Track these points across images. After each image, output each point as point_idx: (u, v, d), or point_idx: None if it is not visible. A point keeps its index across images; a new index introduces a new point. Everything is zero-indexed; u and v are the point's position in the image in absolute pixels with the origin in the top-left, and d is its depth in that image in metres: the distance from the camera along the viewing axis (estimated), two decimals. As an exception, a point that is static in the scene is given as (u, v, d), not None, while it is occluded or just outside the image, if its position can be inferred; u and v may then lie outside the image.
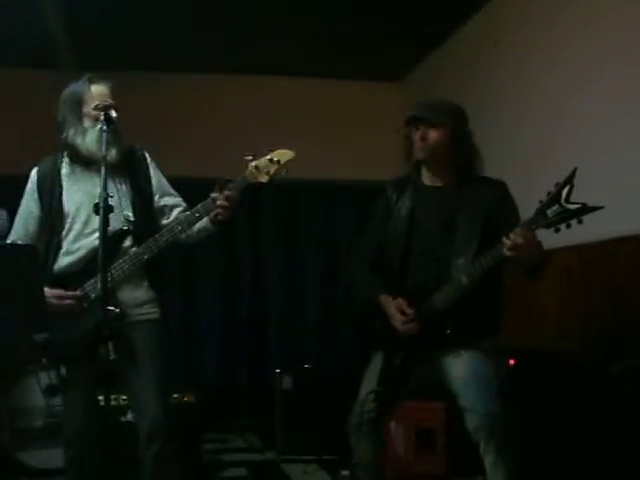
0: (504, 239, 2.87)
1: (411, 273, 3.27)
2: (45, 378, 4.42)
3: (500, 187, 3.26)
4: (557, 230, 2.80)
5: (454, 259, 3.14)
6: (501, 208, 3.16)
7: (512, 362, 3.82)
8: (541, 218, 2.82)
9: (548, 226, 2.81)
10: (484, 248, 3.03)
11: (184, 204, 3.41)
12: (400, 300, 3.18)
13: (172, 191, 3.44)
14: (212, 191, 3.16)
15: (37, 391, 4.50)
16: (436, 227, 3.24)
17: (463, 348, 3.11)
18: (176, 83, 6.27)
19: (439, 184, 3.31)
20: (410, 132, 3.28)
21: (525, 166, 4.70)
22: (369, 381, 3.25)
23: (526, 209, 2.95)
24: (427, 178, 3.33)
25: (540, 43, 4.60)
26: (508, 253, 2.86)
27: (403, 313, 3.16)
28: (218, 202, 3.13)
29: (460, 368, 3.10)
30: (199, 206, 3.17)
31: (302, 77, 6.42)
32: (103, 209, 2.79)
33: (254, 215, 6.39)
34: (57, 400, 4.45)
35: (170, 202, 3.40)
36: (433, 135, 3.20)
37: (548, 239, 2.90)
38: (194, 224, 3.20)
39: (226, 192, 3.12)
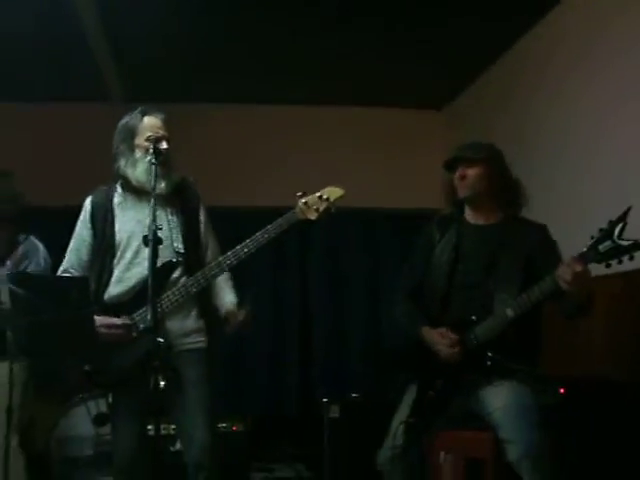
0: (558, 271, 2.91)
1: (452, 307, 3.35)
2: (94, 407, 4.47)
3: (542, 229, 3.35)
4: (608, 265, 2.86)
5: (497, 294, 3.21)
6: (543, 250, 3.25)
7: (562, 391, 3.78)
8: (593, 253, 2.87)
9: (599, 261, 2.87)
10: (526, 286, 3.09)
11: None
12: (443, 328, 3.25)
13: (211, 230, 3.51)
14: (265, 222, 3.19)
15: (86, 420, 4.54)
16: (479, 264, 3.33)
17: (501, 379, 3.14)
18: (226, 114, 6.34)
19: (482, 222, 3.43)
20: (451, 175, 3.41)
21: (567, 192, 4.66)
22: (401, 413, 3.30)
23: (572, 235, 2.97)
24: (470, 216, 3.45)
25: (579, 66, 4.58)
26: (564, 286, 2.89)
27: (446, 338, 3.22)
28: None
29: (498, 399, 3.12)
30: (248, 241, 3.18)
31: (346, 106, 6.44)
32: (152, 241, 2.83)
33: (300, 245, 6.41)
34: (106, 429, 4.48)
35: (210, 240, 3.47)
36: (471, 173, 3.33)
37: (594, 267, 2.91)
38: (242, 259, 3.21)
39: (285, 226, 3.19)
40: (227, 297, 3.38)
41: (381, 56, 5.51)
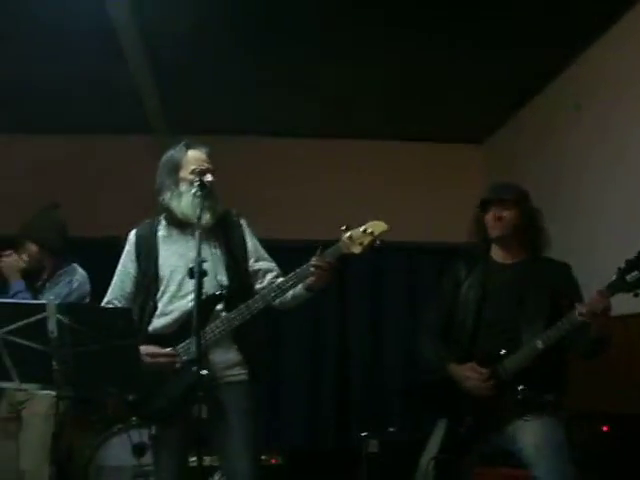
0: (589, 302, 3.01)
1: (480, 343, 3.40)
2: (134, 437, 4.47)
3: (565, 268, 3.45)
4: (637, 295, 2.95)
5: (524, 329, 3.27)
6: (567, 286, 3.35)
7: (605, 429, 3.74)
8: (621, 283, 2.97)
9: (628, 290, 2.97)
10: (552, 322, 3.16)
11: (277, 269, 3.42)
12: (472, 363, 3.30)
13: (266, 256, 3.47)
14: (306, 255, 3.18)
15: (125, 450, 4.54)
16: (506, 301, 3.40)
17: (532, 412, 3.17)
18: (266, 146, 6.41)
19: (509, 261, 3.50)
20: (482, 213, 3.50)
21: (614, 229, 4.63)
22: (430, 449, 3.32)
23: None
24: (497, 255, 3.54)
25: (624, 102, 4.57)
26: (590, 317, 2.97)
27: (476, 373, 3.27)
28: (317, 269, 3.12)
29: (530, 435, 3.15)
30: (293, 274, 3.17)
31: (388, 140, 6.48)
32: (198, 273, 2.85)
33: (340, 278, 6.39)
34: (145, 460, 4.50)
35: (264, 267, 3.42)
36: (507, 214, 3.43)
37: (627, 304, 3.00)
38: (287, 292, 3.20)
39: (327, 259, 3.12)
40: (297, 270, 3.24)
41: (425, 90, 5.53)
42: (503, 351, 3.25)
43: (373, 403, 6.31)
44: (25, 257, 4.28)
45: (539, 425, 3.14)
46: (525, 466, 3.14)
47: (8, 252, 4.28)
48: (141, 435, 4.35)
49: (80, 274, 4.37)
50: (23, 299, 3.98)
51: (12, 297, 4.04)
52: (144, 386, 3.02)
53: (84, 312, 3.03)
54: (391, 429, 5.27)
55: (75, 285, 4.27)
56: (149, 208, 3.50)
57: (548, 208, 3.57)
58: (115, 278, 3.46)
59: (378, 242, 3.14)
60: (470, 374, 3.28)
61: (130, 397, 3.15)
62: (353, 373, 6.41)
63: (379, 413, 6.25)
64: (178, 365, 3.15)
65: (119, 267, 3.46)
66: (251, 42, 4.83)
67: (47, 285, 4.25)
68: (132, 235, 3.47)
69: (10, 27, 4.49)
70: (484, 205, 3.50)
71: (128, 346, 2.81)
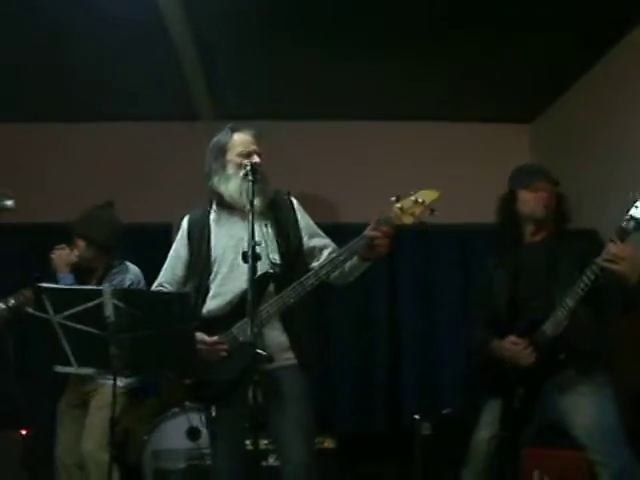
0: (604, 250, 3.05)
1: (519, 316, 3.47)
2: (189, 420, 4.52)
3: (592, 234, 3.55)
4: None
5: (558, 298, 3.30)
6: (596, 252, 3.27)
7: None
8: (633, 223, 3.00)
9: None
10: None
11: (333, 245, 3.41)
12: (511, 336, 3.39)
13: (321, 233, 3.47)
14: (354, 234, 3.17)
15: (180, 434, 4.60)
16: (540, 277, 3.47)
17: (580, 377, 3.23)
18: (318, 130, 6.37)
19: (538, 238, 3.60)
20: (523, 192, 3.59)
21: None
22: (484, 428, 3.36)
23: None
24: (528, 233, 3.62)
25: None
26: (610, 265, 3.00)
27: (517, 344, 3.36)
28: (373, 239, 3.10)
29: (580, 416, 3.22)
30: (344, 248, 3.16)
31: (435, 120, 6.42)
32: (252, 258, 2.86)
33: (390, 258, 6.35)
34: (200, 443, 4.55)
35: (319, 244, 3.42)
36: (552, 195, 3.55)
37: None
38: (340, 266, 3.19)
39: (383, 228, 3.10)
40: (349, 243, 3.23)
41: (472, 70, 5.47)
42: (538, 317, 3.33)
43: (424, 385, 6.28)
44: (76, 252, 4.35)
45: (590, 404, 3.15)
46: (581, 447, 3.13)
47: (61, 245, 4.36)
48: (196, 418, 4.40)
49: (133, 272, 4.43)
50: None
51: None
52: (201, 369, 3.04)
53: (140, 297, 3.07)
54: (445, 411, 5.23)
55: (128, 284, 4.31)
56: (198, 194, 3.53)
57: (605, 186, 3.54)
58: (167, 262, 3.51)
59: (430, 212, 3.10)
60: (510, 347, 3.37)
61: (187, 381, 3.17)
62: (403, 356, 6.37)
63: (431, 395, 6.21)
64: (224, 354, 3.16)
65: (171, 251, 3.51)
66: (298, 26, 4.78)
67: (101, 284, 4.29)
68: (185, 220, 3.52)
69: (58, 13, 4.51)
70: (524, 186, 3.57)
71: (185, 330, 2.84)
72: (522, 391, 3.31)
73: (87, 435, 4.21)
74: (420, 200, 3.09)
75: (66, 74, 5.34)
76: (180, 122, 6.16)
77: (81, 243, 4.37)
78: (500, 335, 3.46)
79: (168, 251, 3.58)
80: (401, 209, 3.10)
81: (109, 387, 3.20)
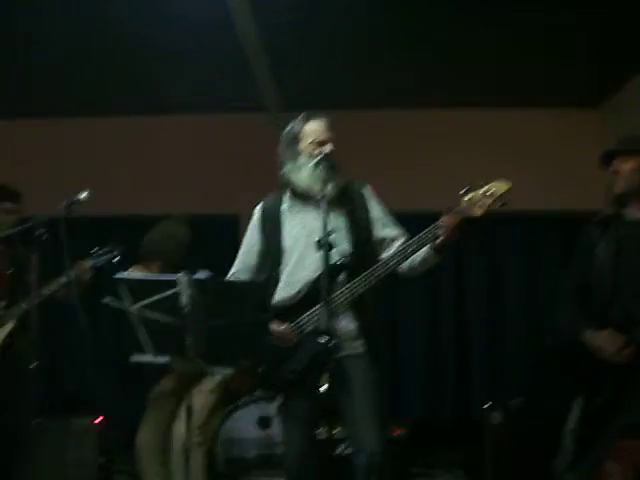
0: None
1: (618, 305, 3.28)
2: (260, 409, 4.57)
3: None
4: None
5: None
6: None
7: None
8: None
9: None
10: None
11: (404, 237, 3.36)
12: (609, 330, 3.21)
13: (393, 223, 3.43)
14: (423, 224, 3.16)
15: (251, 422, 4.65)
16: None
17: None
18: (385, 118, 6.36)
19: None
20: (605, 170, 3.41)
21: None
22: (571, 421, 3.26)
23: None
24: (630, 212, 3.40)
25: None
26: None
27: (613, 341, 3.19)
28: (444, 229, 3.07)
29: None
30: (414, 239, 3.14)
31: (502, 107, 6.35)
32: (325, 246, 2.87)
33: (457, 247, 6.31)
34: (270, 431, 4.59)
35: (390, 234, 3.38)
36: (625, 167, 3.31)
37: None
38: (409, 257, 3.17)
39: (452, 218, 3.07)
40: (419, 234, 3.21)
41: (539, 55, 5.40)
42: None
43: (493, 373, 6.25)
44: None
45: None
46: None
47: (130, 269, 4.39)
48: (266, 407, 4.45)
49: None
50: None
51: None
52: (276, 358, 3.08)
53: (216, 286, 3.09)
54: (515, 400, 5.18)
55: None
56: (265, 185, 3.54)
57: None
58: (240, 251, 3.52)
59: (501, 203, 3.06)
60: (605, 342, 3.21)
61: (261, 369, 3.19)
62: (472, 342, 6.35)
63: (500, 383, 6.17)
64: (291, 343, 3.17)
65: (244, 240, 3.52)
66: (363, 10, 4.77)
67: None
68: (258, 209, 3.52)
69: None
70: (607, 161, 3.41)
71: (261, 319, 2.86)
72: (608, 388, 3.18)
73: (183, 419, 4.14)
74: (490, 192, 3.06)
75: (137, 69, 5.49)
76: (245, 113, 6.20)
77: (156, 265, 4.44)
78: (595, 322, 3.30)
79: (236, 242, 3.61)
80: (471, 201, 3.07)
81: (210, 376, 3.23)
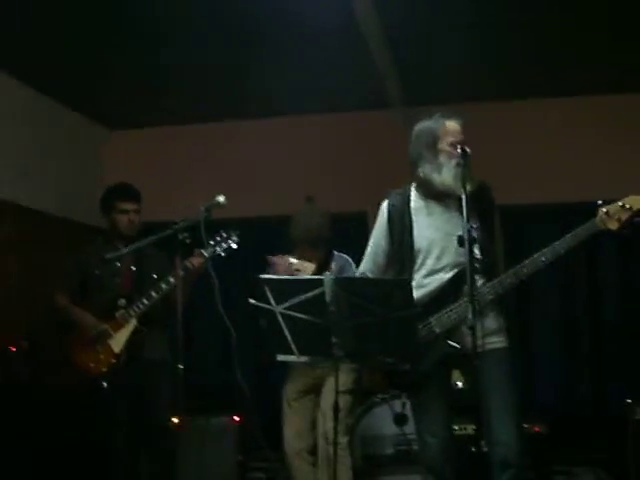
0: None
1: None
2: (396, 407, 4.58)
3: None
4: None
5: None
6: None
7: None
8: None
9: None
10: None
11: None
12: None
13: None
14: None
15: (388, 420, 4.66)
16: None
17: None
18: (504, 110, 6.27)
19: None
20: None
21: None
22: None
23: None
24: None
25: None
26: None
27: None
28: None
29: None
30: (545, 250, 3.13)
31: (575, 96, 6.14)
32: (468, 241, 2.89)
33: (590, 245, 6.16)
34: (407, 428, 4.59)
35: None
36: None
37: None
38: (539, 268, 3.15)
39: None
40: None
41: (609, 43, 5.21)
42: None
43: (630, 369, 6.05)
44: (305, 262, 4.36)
45: None
46: None
47: (296, 263, 4.26)
48: (401, 405, 4.46)
49: (344, 259, 4.41)
50: None
51: None
52: (417, 356, 3.08)
53: (361, 285, 3.11)
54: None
55: (353, 267, 4.30)
56: (391, 181, 3.54)
57: None
58: (367, 250, 3.55)
59: (638, 218, 3.04)
60: None
61: (406, 367, 3.19)
62: (608, 338, 6.18)
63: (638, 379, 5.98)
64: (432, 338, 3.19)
65: (372, 239, 3.54)
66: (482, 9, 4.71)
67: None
68: (384, 206, 3.51)
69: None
70: None
71: (406, 317, 2.87)
72: None
73: (327, 417, 4.11)
74: (628, 206, 3.04)
75: (265, 72, 5.60)
76: (371, 111, 6.20)
77: (308, 250, 4.31)
78: None
79: (364, 240, 3.62)
80: (607, 214, 3.06)
81: (343, 372, 3.25)
